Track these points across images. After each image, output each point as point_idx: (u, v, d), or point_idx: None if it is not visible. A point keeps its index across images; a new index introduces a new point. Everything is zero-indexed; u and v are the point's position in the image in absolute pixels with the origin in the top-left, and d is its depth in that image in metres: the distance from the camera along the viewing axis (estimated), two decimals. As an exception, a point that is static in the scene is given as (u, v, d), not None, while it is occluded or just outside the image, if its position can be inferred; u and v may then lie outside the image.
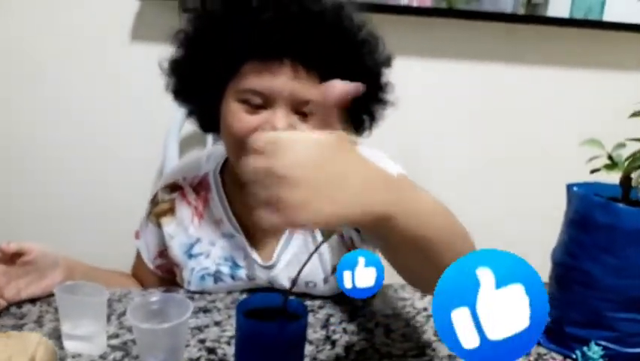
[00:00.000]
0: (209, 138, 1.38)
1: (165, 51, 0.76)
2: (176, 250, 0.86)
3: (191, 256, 0.85)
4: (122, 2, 1.41)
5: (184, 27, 0.76)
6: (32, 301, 0.78)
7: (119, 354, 0.67)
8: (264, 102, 0.72)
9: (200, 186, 0.86)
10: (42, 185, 1.52)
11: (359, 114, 0.80)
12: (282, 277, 0.84)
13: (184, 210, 0.86)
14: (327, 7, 0.71)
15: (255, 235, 0.84)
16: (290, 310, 0.55)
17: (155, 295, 0.63)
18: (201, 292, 0.85)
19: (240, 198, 0.83)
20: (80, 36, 1.43)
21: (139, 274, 0.95)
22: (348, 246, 0.84)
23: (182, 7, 0.76)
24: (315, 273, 0.83)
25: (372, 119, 0.81)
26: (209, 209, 0.85)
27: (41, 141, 1.50)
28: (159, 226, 0.87)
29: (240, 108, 0.73)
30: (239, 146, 0.73)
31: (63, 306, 0.66)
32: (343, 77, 0.71)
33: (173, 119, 1.36)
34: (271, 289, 0.86)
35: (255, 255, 0.83)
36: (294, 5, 0.69)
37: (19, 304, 0.77)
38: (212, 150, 0.92)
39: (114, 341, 0.70)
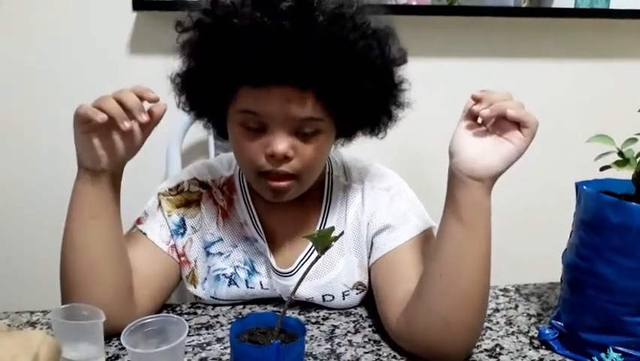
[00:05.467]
0: (212, 147, 1.37)
1: (165, 63, 0.74)
2: (196, 244, 0.83)
3: (209, 254, 0.83)
4: (119, 15, 1.40)
5: (183, 42, 0.73)
6: (32, 324, 0.77)
7: (118, 377, 0.66)
8: (262, 125, 0.70)
9: (226, 187, 0.85)
10: (39, 189, 1.52)
11: (372, 115, 0.76)
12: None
13: (210, 207, 0.84)
14: (321, 23, 0.66)
15: (277, 241, 0.83)
16: (287, 330, 0.53)
17: (151, 317, 0.62)
18: (204, 305, 0.84)
19: (264, 203, 0.81)
20: (79, 49, 1.43)
21: (135, 263, 0.78)
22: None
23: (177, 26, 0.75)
24: (335, 286, 0.81)
25: (389, 119, 0.77)
26: (234, 210, 0.84)
27: (40, 147, 1.49)
28: (182, 220, 0.82)
29: (241, 133, 0.72)
30: (248, 168, 0.75)
31: (59, 330, 0.64)
32: (342, 92, 0.69)
33: (175, 129, 1.35)
34: (279, 300, 0.84)
35: (273, 261, 0.81)
36: (284, 26, 0.64)
37: (20, 327, 0.76)
38: (231, 155, 0.88)
39: (114, 363, 0.68)
